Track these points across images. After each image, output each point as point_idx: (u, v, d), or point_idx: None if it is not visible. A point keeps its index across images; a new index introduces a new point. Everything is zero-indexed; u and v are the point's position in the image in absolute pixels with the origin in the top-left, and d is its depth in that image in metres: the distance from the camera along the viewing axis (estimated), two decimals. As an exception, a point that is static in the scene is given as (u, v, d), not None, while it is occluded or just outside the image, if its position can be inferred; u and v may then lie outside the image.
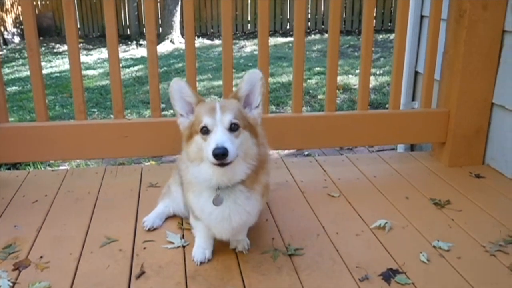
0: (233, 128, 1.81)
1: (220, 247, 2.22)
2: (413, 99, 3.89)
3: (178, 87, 1.94)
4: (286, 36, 12.54)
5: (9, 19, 13.86)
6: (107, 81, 8.23)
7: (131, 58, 10.30)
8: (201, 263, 2.12)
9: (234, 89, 2.92)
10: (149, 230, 2.38)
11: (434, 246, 2.24)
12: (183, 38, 12.13)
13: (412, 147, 3.94)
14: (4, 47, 12.57)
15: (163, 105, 2.90)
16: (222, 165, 1.75)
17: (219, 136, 1.76)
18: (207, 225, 2.06)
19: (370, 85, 3.20)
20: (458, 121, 3.07)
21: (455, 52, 3.00)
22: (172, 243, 2.26)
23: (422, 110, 3.18)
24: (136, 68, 9.36)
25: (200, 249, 2.15)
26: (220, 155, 1.71)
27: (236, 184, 1.92)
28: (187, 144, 1.93)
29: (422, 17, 3.72)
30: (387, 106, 6.13)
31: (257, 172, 1.94)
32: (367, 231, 2.38)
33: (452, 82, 3.05)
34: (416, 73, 3.83)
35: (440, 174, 3.04)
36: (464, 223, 2.45)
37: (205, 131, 1.81)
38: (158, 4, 12.70)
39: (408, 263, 2.11)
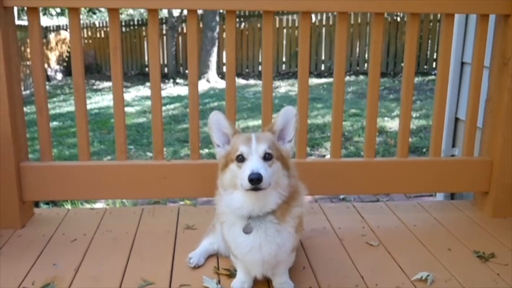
0: (267, 157, 1.92)
1: (257, 294, 2.19)
2: (454, 145, 3.83)
3: (216, 119, 2.07)
4: (321, 77, 12.64)
5: (53, 57, 14.41)
6: (144, 119, 8.41)
7: (168, 96, 10.53)
8: None
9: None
10: (194, 267, 2.40)
11: (479, 303, 2.15)
12: (219, 77, 12.51)
13: (452, 195, 3.85)
14: (47, 83, 13.02)
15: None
16: (256, 189, 1.84)
17: (254, 163, 1.87)
18: (240, 258, 2.12)
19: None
20: (502, 171, 2.99)
21: (499, 100, 2.95)
22: (208, 288, 2.24)
23: (464, 158, 3.11)
24: (172, 106, 9.55)
25: (239, 281, 2.22)
26: (256, 180, 1.81)
27: (267, 215, 1.99)
28: (222, 173, 2.03)
29: (462, 63, 3.69)
30: (424, 150, 6.07)
31: (288, 203, 2.02)
32: (408, 284, 2.30)
33: (496, 130, 2.98)
34: (457, 119, 3.78)
35: (483, 225, 2.95)
36: (510, 278, 2.35)
37: (241, 159, 1.92)
38: (196, 44, 13.00)
39: (453, 320, 2.02)
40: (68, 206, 4.21)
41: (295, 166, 2.12)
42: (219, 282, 2.29)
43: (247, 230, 2.01)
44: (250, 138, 1.95)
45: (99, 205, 4.40)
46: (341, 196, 4.41)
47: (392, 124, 7.31)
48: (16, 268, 2.39)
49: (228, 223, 2.09)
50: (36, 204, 4.05)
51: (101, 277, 2.33)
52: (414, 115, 7.81)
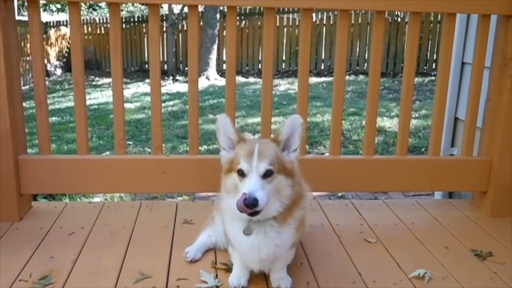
0: (267, 174, 1.92)
1: (254, 290, 2.19)
2: (453, 145, 3.83)
3: (223, 123, 2.09)
4: (320, 76, 12.65)
5: (52, 52, 14.39)
6: (143, 115, 8.40)
7: (167, 93, 10.52)
8: None
9: (272, 127, 2.99)
10: (190, 261, 2.40)
11: (476, 301, 2.15)
12: (219, 75, 12.51)
13: (450, 194, 3.85)
14: (46, 78, 13.01)
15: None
16: (252, 214, 1.88)
17: (252, 185, 1.88)
18: (239, 253, 2.14)
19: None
20: (500, 170, 3.00)
21: (499, 100, 2.95)
22: (206, 282, 2.23)
23: (463, 158, 3.11)
24: (171, 103, 9.54)
25: (236, 276, 2.22)
26: (251, 205, 1.83)
27: (267, 219, 2.00)
28: (225, 176, 2.06)
29: (463, 63, 3.69)
30: (423, 150, 6.07)
31: (290, 209, 2.03)
32: (406, 281, 2.31)
33: (495, 130, 2.99)
34: (456, 119, 3.78)
35: (481, 224, 2.95)
36: (508, 277, 2.35)
37: (241, 174, 1.94)
38: (196, 41, 12.99)
39: (450, 318, 2.03)
40: (66, 200, 4.20)
41: (300, 170, 2.10)
42: (216, 276, 2.29)
43: (247, 232, 2.02)
44: (253, 152, 1.92)
45: (97, 199, 4.39)
46: (340, 194, 4.41)
47: (391, 124, 7.32)
48: (13, 261, 2.39)
49: (231, 219, 2.09)
50: (34, 198, 4.05)
51: (98, 271, 2.32)
52: (413, 115, 7.81)
